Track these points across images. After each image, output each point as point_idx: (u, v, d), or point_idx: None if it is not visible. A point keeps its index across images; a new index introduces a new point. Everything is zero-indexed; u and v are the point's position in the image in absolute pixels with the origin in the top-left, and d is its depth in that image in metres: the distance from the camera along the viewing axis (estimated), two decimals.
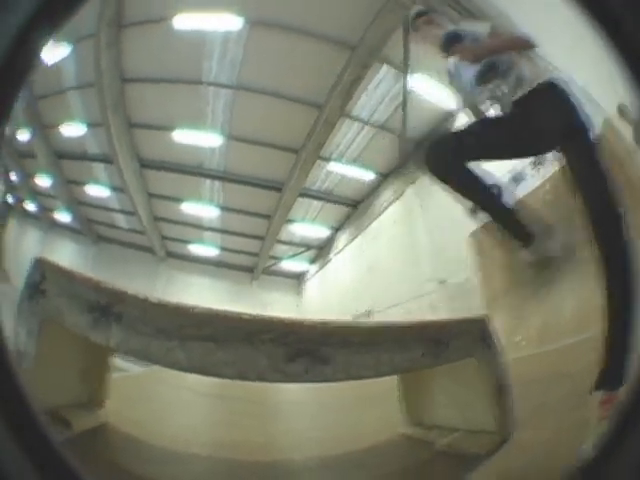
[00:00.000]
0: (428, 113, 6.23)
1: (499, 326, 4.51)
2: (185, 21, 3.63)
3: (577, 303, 3.32)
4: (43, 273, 0.96)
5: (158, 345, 0.84)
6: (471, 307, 5.42)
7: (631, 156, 3.02)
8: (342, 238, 8.61)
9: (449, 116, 6.18)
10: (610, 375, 1.13)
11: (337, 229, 8.94)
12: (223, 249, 7.18)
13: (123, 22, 3.58)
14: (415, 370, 1.13)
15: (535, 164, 4.82)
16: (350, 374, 0.89)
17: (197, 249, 7.28)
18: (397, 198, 6.86)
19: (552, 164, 4.33)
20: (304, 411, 2.47)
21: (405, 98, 6.06)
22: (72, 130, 4.40)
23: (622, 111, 2.86)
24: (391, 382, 1.60)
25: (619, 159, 3.40)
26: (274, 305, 10.95)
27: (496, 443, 1.16)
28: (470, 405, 1.27)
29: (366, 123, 6.28)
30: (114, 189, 5.87)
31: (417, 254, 6.22)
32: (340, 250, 8.68)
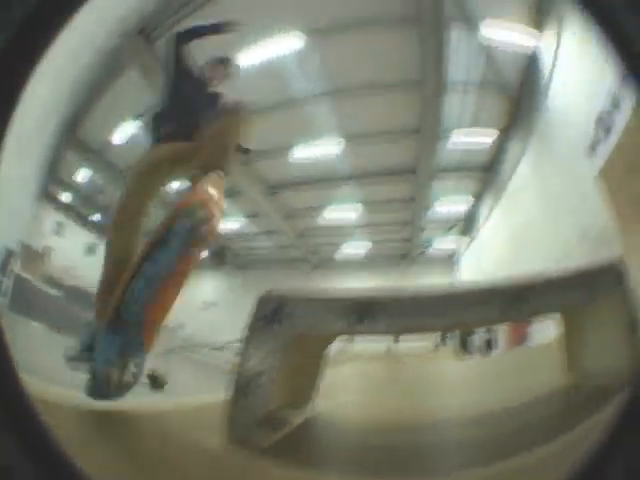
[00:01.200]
0: (513, 57, 5.35)
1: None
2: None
3: None
4: (282, 303, 1.19)
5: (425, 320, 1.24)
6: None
7: None
8: (486, 205, 8.02)
9: (534, 54, 5.21)
10: None
11: (478, 197, 8.35)
12: (374, 242, 7.23)
13: None
14: (580, 306, 1.37)
15: None
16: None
17: (347, 249, 7.79)
18: (523, 152, 6.08)
19: None
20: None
21: (486, 50, 5.34)
22: None
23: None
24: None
25: None
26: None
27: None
28: (613, 343, 1.41)
29: (467, 85, 5.75)
30: (249, 216, 6.64)
31: (555, 210, 5.47)
32: (487, 217, 8.10)
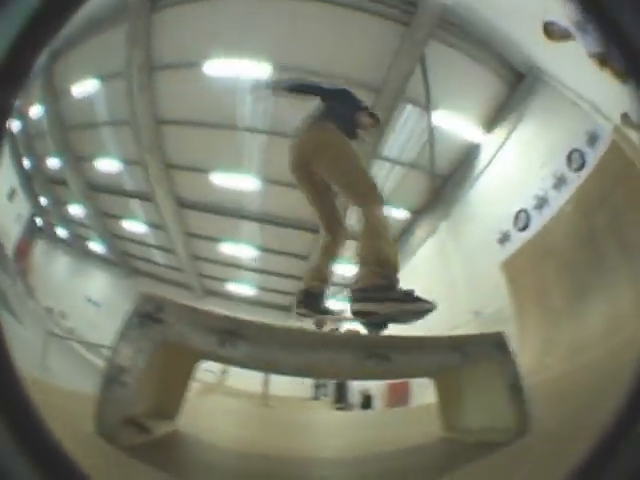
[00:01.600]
0: (454, 147, 6.27)
1: (531, 348, 4.00)
2: (216, 67, 3.72)
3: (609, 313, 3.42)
4: (160, 306, 1.20)
5: (280, 355, 1.20)
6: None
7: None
8: None
9: (474, 149, 6.18)
10: None
11: None
12: (261, 288, 7.30)
13: (154, 65, 3.62)
14: (449, 368, 1.42)
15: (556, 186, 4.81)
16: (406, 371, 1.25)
17: (235, 288, 7.63)
18: (430, 235, 6.78)
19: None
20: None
21: (431, 134, 6.14)
22: (107, 165, 4.47)
23: (626, 119, 2.96)
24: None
25: (630, 162, 3.62)
26: None
27: (515, 434, 1.35)
28: (493, 404, 1.51)
29: (396, 163, 6.41)
30: (151, 225, 6.13)
31: (453, 288, 5.99)
32: None
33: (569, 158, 4.79)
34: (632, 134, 2.18)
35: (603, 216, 4.18)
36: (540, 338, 4.68)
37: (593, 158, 4.51)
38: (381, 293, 1.55)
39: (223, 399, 4.66)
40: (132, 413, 1.16)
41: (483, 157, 6.25)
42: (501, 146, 6.01)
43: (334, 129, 1.93)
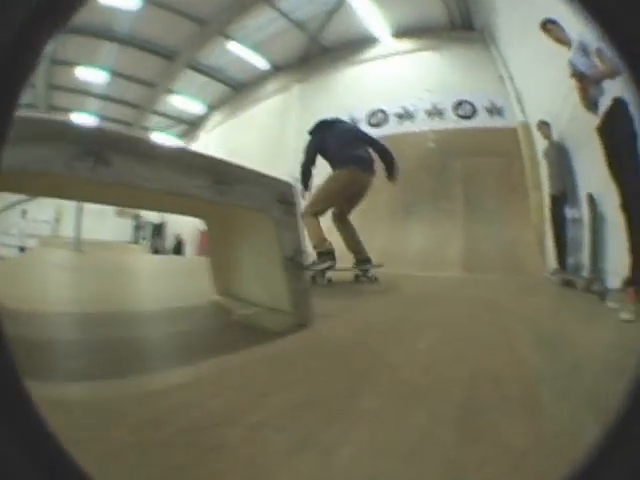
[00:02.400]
0: (351, 29, 6.24)
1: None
2: None
3: None
4: None
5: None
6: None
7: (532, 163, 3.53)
8: (215, 119, 8.49)
9: (371, 40, 6.28)
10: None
11: (213, 108, 8.80)
12: (103, 117, 7.24)
13: None
14: (195, 199, 1.06)
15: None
16: (128, 180, 0.93)
17: (78, 118, 6.95)
18: (281, 91, 7.00)
19: None
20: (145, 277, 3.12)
21: (339, 7, 5.90)
22: None
23: (541, 126, 3.56)
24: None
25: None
26: None
27: (292, 324, 1.18)
28: (268, 279, 1.28)
29: (285, 16, 5.99)
30: None
31: (280, 150, 6.34)
32: (210, 129, 8.71)
33: (459, 104, 5.38)
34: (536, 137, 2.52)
35: (458, 165, 4.81)
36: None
37: (482, 122, 5.08)
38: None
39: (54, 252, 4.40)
40: None
41: (375, 52, 6.48)
42: (399, 53, 6.15)
43: None
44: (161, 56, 6.79)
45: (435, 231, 4.59)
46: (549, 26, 2.45)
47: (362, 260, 2.93)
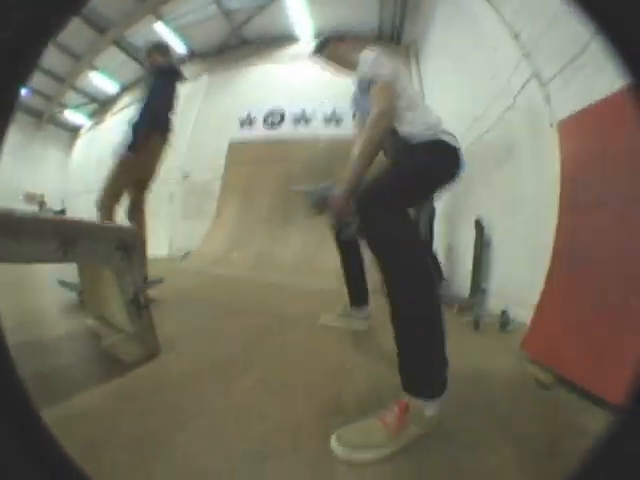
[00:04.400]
0: (276, 25, 6.14)
1: (221, 237, 5.14)
2: None
3: None
4: None
5: None
6: (205, 208, 5.97)
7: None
8: (124, 100, 8.12)
9: (292, 39, 6.19)
10: None
11: (125, 89, 8.42)
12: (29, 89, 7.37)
13: None
14: (48, 262, 1.09)
15: None
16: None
17: None
18: (190, 79, 6.83)
19: None
20: None
21: (272, 2, 5.77)
22: None
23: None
24: None
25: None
26: (45, 160, 10.25)
27: (142, 356, 1.31)
28: (120, 312, 1.38)
29: (218, 2, 5.80)
30: None
31: (178, 142, 6.03)
32: (116, 112, 8.35)
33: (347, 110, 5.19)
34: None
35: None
36: (231, 236, 5.09)
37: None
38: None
39: None
40: None
41: (291, 52, 6.45)
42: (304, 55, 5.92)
43: None
44: (95, 28, 6.44)
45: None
46: None
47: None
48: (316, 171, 4.73)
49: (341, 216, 1.41)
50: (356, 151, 1.32)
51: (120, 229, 1.36)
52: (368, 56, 1.40)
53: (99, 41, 6.75)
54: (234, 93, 6.67)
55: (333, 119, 5.70)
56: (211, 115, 6.78)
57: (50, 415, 0.75)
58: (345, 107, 5.59)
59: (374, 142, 1.29)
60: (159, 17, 6.27)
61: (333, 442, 0.85)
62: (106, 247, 1.26)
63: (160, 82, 2.52)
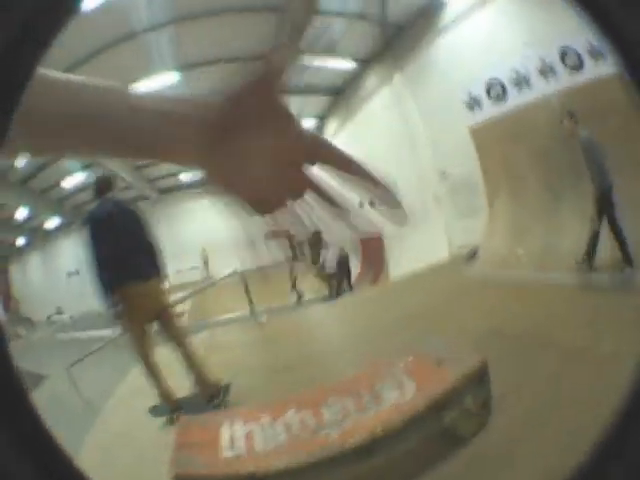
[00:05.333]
0: None
1: (501, 237, 4.58)
2: None
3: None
4: None
5: None
6: (474, 203, 5.40)
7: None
8: (331, 126, 8.42)
9: (437, 6, 5.59)
10: None
11: (322, 118, 9.00)
12: None
13: None
14: None
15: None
16: None
17: (186, 177, 8.22)
18: (384, 84, 6.49)
19: None
20: None
21: None
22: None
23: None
24: None
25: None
26: None
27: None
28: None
29: (339, 14, 5.89)
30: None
31: (413, 142, 6.00)
32: (332, 136, 8.86)
33: (564, 53, 4.17)
34: None
35: (594, 127, 3.55)
36: (510, 228, 4.70)
37: (593, 71, 3.88)
38: None
39: None
40: None
41: (449, 13, 5.56)
42: (472, 7, 5.16)
43: None
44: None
45: None
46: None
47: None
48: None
49: None
50: None
51: None
52: None
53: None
54: (437, 76, 5.81)
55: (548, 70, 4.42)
56: (430, 110, 6.02)
57: None
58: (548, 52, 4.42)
59: None
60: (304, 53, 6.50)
61: None
62: None
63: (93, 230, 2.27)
